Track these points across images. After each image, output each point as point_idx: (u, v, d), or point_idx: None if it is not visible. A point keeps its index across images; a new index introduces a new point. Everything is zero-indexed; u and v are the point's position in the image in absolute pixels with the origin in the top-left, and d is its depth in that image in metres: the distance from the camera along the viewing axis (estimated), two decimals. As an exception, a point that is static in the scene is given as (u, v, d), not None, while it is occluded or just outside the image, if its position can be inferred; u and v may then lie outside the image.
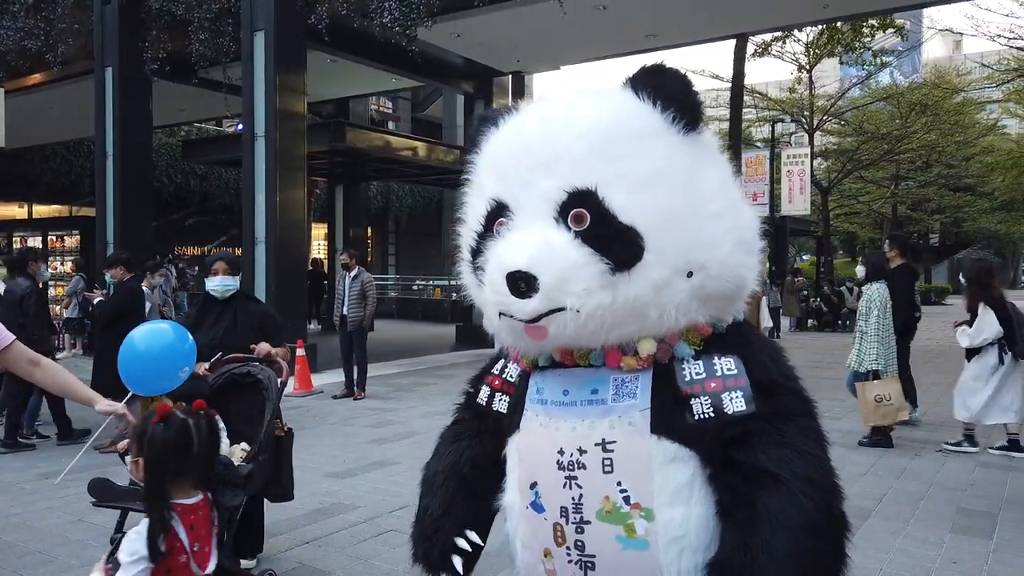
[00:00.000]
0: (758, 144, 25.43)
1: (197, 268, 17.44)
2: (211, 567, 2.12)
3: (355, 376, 9.53)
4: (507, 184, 1.77)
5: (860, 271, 7.31)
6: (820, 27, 18.79)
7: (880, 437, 6.72)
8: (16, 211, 22.77)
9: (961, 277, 8.36)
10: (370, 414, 8.45)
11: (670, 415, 1.69)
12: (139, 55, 12.54)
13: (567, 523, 1.75)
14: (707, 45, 16.07)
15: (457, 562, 1.95)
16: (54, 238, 16.82)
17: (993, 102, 27.62)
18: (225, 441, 3.54)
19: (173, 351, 3.30)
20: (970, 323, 6.42)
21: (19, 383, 6.61)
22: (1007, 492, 5.42)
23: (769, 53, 21.38)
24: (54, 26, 13.39)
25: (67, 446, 7.02)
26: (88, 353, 12.54)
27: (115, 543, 3.39)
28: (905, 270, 7.80)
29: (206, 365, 3.92)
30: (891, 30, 18.56)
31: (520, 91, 14.71)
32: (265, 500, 4.16)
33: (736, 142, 16.40)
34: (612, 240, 1.62)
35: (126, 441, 3.42)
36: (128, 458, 2.40)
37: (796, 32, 20.28)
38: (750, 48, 18.57)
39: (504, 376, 2.06)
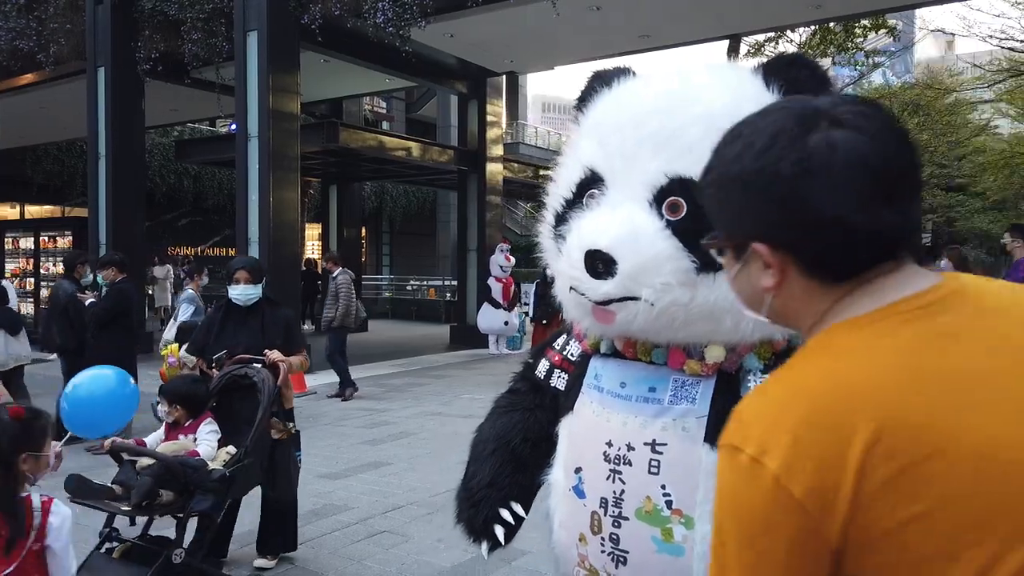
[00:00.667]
0: (752, 144, 25.41)
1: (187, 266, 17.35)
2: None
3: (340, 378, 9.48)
4: (608, 153, 1.69)
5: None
6: (813, 28, 18.84)
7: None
8: (8, 211, 22.66)
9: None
10: (363, 415, 8.44)
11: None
12: (132, 55, 12.48)
13: (605, 514, 1.74)
14: (700, 46, 16.07)
15: (499, 531, 1.97)
16: (46, 239, 16.70)
17: (985, 102, 27.72)
18: (212, 444, 3.55)
19: (115, 396, 3.58)
20: None
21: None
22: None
23: (762, 53, 21.40)
24: (46, 26, 13.31)
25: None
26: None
27: (103, 537, 3.41)
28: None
29: (215, 367, 3.98)
30: (883, 31, 18.63)
31: (514, 91, 14.68)
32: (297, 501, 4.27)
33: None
34: None
35: (110, 440, 3.47)
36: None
37: (789, 33, 20.29)
38: (743, 49, 18.59)
39: (565, 353, 2.02)
